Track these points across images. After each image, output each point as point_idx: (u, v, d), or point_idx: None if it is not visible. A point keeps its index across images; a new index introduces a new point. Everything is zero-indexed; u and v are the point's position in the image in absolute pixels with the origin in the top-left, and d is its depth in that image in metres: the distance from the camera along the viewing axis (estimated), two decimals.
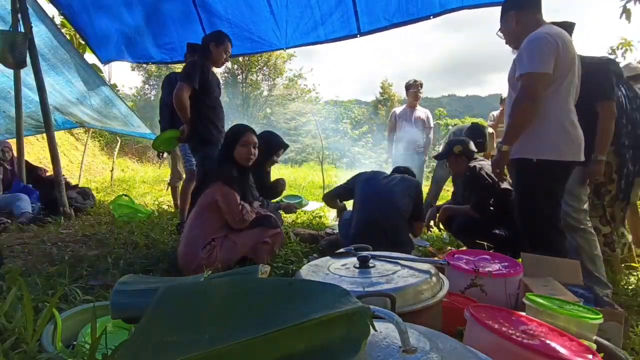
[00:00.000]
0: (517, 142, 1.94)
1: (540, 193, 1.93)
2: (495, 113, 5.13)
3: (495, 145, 4.83)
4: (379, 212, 2.37)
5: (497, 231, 2.50)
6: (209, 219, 2.22)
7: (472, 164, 2.71)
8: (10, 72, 3.71)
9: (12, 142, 4.12)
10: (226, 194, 2.20)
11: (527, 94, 1.85)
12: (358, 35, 3.93)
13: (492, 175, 2.57)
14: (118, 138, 8.60)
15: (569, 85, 1.91)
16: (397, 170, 2.81)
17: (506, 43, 2.16)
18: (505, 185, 2.57)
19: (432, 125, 4.72)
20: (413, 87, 4.58)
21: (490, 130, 3.87)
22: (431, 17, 3.57)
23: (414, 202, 2.50)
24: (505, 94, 4.86)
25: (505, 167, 2.08)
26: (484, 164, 2.68)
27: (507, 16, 2.06)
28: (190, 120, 2.98)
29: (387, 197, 2.44)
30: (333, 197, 2.91)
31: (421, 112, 4.67)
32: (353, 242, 2.06)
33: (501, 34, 2.15)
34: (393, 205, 2.41)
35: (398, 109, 4.83)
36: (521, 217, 2.02)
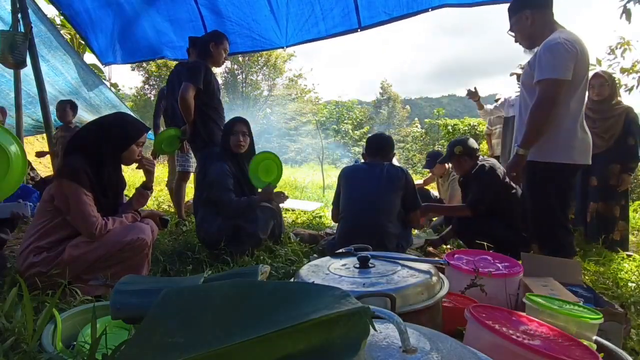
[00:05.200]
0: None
1: (551, 194, 2.01)
2: (492, 117, 5.15)
3: (492, 145, 4.85)
4: (362, 216, 2.31)
5: (497, 231, 2.49)
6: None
7: (480, 162, 2.71)
8: (10, 72, 3.71)
9: None
10: (67, 193, 1.72)
11: (547, 100, 1.90)
12: (359, 30, 3.92)
13: (502, 175, 2.59)
14: None
15: (583, 90, 1.97)
16: (372, 152, 2.62)
17: (516, 42, 2.17)
18: (511, 184, 2.58)
19: None
20: None
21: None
22: (429, 9, 3.57)
23: (402, 193, 2.41)
24: (498, 95, 4.89)
25: None
26: (494, 163, 2.68)
27: (521, 15, 2.05)
28: (193, 120, 2.99)
29: (371, 197, 2.35)
30: (337, 213, 2.65)
31: None
32: (337, 246, 2.05)
33: (512, 33, 2.16)
34: (378, 205, 2.33)
35: None
36: (532, 216, 2.10)
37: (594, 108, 3.20)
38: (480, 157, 2.80)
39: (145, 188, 2.08)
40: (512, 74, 4.22)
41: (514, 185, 2.59)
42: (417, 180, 4.78)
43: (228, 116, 3.31)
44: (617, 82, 3.39)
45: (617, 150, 3.14)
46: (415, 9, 3.59)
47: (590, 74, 3.13)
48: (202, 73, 2.96)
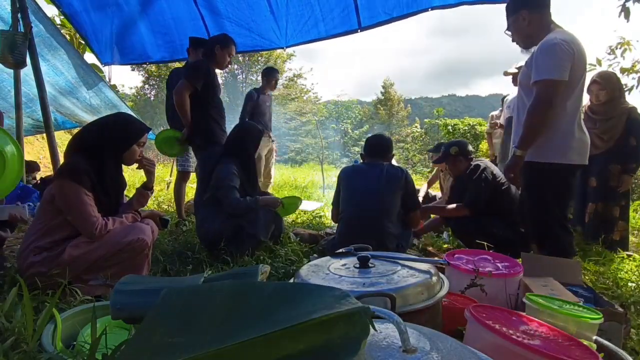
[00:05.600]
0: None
1: (550, 194, 2.02)
2: (495, 113, 5.13)
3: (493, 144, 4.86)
4: (362, 216, 2.32)
5: (496, 230, 2.50)
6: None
7: (474, 162, 2.73)
8: (10, 71, 3.71)
9: None
10: (68, 192, 1.72)
11: (544, 101, 1.89)
12: (359, 30, 3.93)
13: (496, 174, 2.60)
14: None
15: (580, 90, 1.97)
16: (371, 153, 2.61)
17: (513, 41, 2.16)
18: (505, 183, 2.59)
19: None
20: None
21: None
22: (429, 9, 3.58)
23: (402, 193, 2.40)
24: (504, 94, 4.85)
25: None
26: (487, 163, 2.71)
27: (519, 15, 2.05)
28: (196, 119, 3.02)
29: (371, 197, 2.34)
30: (337, 213, 2.63)
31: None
32: (337, 246, 2.05)
33: (509, 33, 2.15)
34: (378, 205, 2.33)
35: None
36: (531, 216, 2.10)
37: (595, 110, 3.19)
38: (474, 159, 2.84)
39: (146, 188, 2.08)
40: (506, 74, 4.18)
41: (509, 184, 2.60)
42: (417, 180, 4.79)
43: (227, 116, 3.33)
44: (619, 82, 3.33)
45: (618, 151, 3.13)
46: (415, 8, 3.60)
47: (590, 74, 3.13)
48: (202, 72, 2.99)
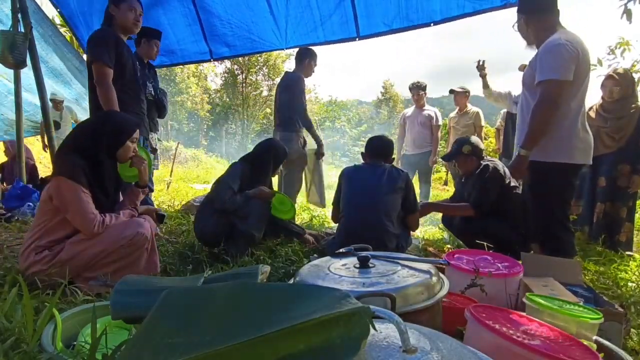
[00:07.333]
0: None
1: (553, 193, 2.05)
2: (502, 111, 5.10)
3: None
4: (363, 216, 2.32)
5: (498, 231, 2.49)
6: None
7: (484, 163, 2.71)
8: (9, 73, 3.72)
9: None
10: (65, 191, 1.73)
11: (548, 101, 1.92)
12: (357, 39, 3.92)
13: (507, 175, 2.59)
14: None
15: (584, 91, 2.01)
16: (372, 154, 2.60)
17: (521, 34, 2.24)
18: (513, 184, 2.58)
19: (439, 123, 4.82)
20: (414, 90, 4.79)
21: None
22: (431, 24, 3.55)
23: (403, 194, 2.41)
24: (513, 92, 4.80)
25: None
26: (497, 163, 2.69)
27: (520, 17, 2.16)
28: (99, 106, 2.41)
29: (372, 197, 2.34)
30: (337, 213, 2.62)
31: (428, 111, 4.78)
32: (337, 246, 2.04)
33: (516, 28, 2.24)
34: (378, 205, 2.33)
35: (408, 110, 4.99)
36: (533, 215, 2.14)
37: (607, 108, 3.17)
38: (486, 158, 2.81)
39: (138, 186, 2.08)
40: (522, 68, 4.01)
41: (516, 185, 2.60)
42: (418, 180, 4.79)
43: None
44: (634, 81, 3.28)
45: (628, 151, 3.09)
46: (416, 22, 3.57)
47: (593, 74, 3.12)
48: (111, 45, 2.39)
